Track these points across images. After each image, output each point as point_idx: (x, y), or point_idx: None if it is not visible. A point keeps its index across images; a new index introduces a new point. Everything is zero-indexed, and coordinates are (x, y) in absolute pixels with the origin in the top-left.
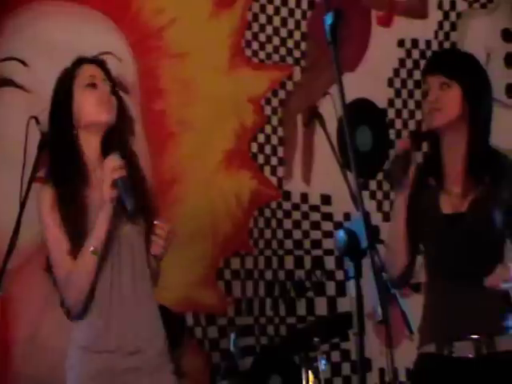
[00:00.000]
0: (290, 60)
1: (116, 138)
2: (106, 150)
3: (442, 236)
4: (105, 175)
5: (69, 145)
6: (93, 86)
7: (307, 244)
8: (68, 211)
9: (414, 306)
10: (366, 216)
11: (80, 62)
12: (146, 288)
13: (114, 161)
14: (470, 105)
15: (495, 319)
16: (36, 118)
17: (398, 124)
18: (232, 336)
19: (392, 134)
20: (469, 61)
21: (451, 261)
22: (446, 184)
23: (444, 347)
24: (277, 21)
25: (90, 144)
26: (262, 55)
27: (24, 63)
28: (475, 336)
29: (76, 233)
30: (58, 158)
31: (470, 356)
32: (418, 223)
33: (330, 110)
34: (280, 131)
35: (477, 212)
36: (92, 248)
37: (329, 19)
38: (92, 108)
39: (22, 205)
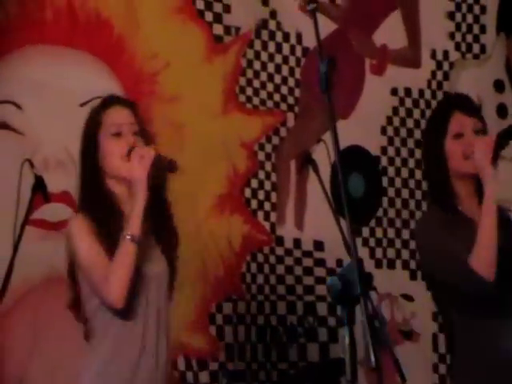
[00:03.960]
0: (283, 106)
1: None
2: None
3: None
4: (134, 159)
5: (98, 186)
6: (118, 135)
7: (300, 290)
8: (103, 237)
9: (405, 353)
10: (359, 263)
11: (108, 102)
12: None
13: (143, 149)
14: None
15: None
16: (30, 161)
17: (391, 172)
18: (223, 382)
19: (385, 181)
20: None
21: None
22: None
23: None
24: (271, 67)
25: (119, 186)
26: (255, 101)
27: (18, 106)
28: None
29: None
30: (88, 195)
31: None
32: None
33: (323, 156)
34: (273, 177)
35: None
36: (129, 236)
37: (323, 67)
38: (116, 161)
39: (15, 247)
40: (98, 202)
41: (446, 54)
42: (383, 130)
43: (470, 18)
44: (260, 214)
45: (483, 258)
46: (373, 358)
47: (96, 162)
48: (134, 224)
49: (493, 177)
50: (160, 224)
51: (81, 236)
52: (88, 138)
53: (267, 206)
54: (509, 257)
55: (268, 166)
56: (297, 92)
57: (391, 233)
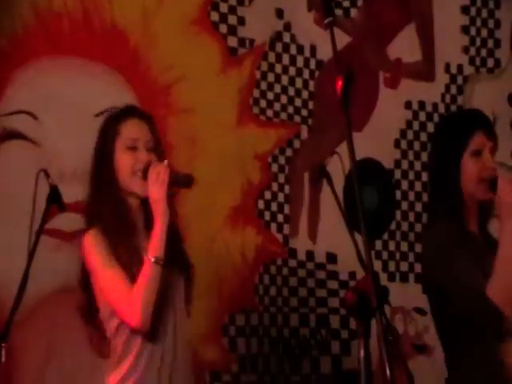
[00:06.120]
0: (297, 119)
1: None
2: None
3: None
4: (151, 178)
5: (114, 198)
6: (133, 149)
7: (312, 302)
8: (120, 253)
9: (418, 367)
10: (375, 276)
11: (127, 113)
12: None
13: (159, 166)
14: None
15: None
16: (45, 171)
17: (405, 185)
18: None
19: (398, 194)
20: None
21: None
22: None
23: None
24: (285, 80)
25: (131, 198)
26: (269, 113)
27: (34, 116)
28: None
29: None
30: (103, 208)
31: None
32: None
33: (337, 168)
34: (287, 189)
35: None
36: (153, 258)
37: (342, 80)
38: (129, 177)
39: (30, 257)
40: (113, 216)
41: (460, 67)
42: (397, 143)
43: (484, 33)
44: (273, 226)
45: (502, 290)
46: (388, 372)
47: (112, 173)
48: (157, 246)
49: None
50: (171, 241)
51: (98, 255)
52: (105, 147)
53: (280, 217)
54: None
55: (281, 178)
56: (310, 104)
57: (404, 246)
